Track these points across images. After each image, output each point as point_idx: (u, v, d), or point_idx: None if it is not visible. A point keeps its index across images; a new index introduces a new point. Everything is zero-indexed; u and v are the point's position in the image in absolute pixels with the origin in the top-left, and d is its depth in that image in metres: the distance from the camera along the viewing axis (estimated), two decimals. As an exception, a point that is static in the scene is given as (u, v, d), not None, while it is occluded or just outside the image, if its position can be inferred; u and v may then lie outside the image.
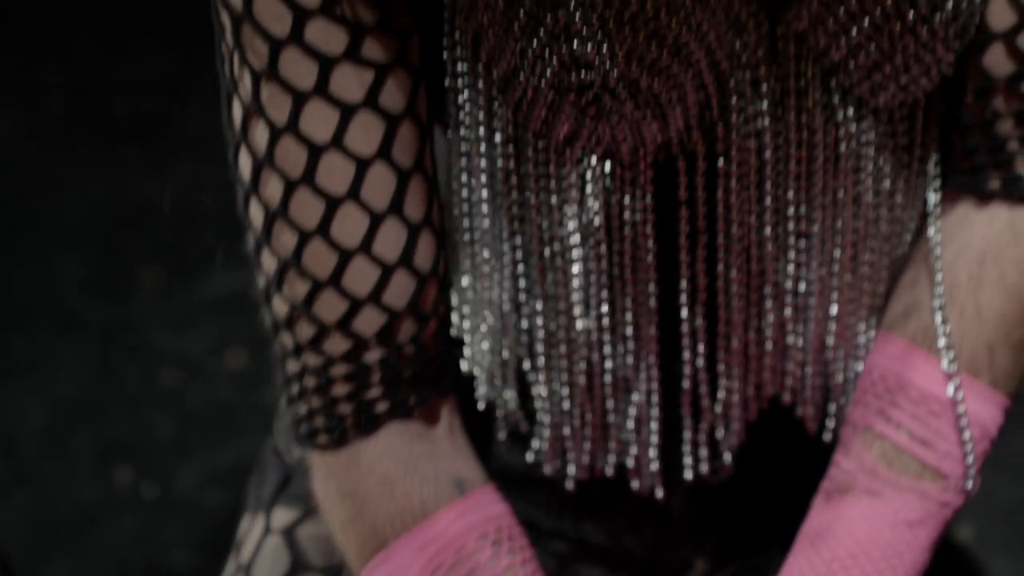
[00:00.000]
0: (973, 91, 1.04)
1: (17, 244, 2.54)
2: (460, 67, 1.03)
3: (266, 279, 1.04)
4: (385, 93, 0.99)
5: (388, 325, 1.04)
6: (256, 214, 1.03)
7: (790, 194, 1.05)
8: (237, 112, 1.01)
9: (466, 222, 1.09)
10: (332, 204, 1.00)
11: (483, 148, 1.05)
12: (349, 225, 1.01)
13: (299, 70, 0.97)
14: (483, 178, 1.06)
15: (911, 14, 0.97)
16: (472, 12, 0.98)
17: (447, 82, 1.04)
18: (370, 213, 1.01)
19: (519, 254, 1.08)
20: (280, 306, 1.05)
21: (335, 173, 1.00)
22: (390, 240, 1.02)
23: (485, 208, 1.07)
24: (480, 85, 1.03)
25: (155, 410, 2.41)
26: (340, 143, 0.99)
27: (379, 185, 1.01)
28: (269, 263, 1.04)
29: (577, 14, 0.94)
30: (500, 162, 1.05)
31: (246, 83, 0.99)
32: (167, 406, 2.42)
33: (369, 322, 1.04)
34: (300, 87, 0.98)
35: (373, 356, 1.05)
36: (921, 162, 1.09)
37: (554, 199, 1.05)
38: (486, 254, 1.09)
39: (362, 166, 1.00)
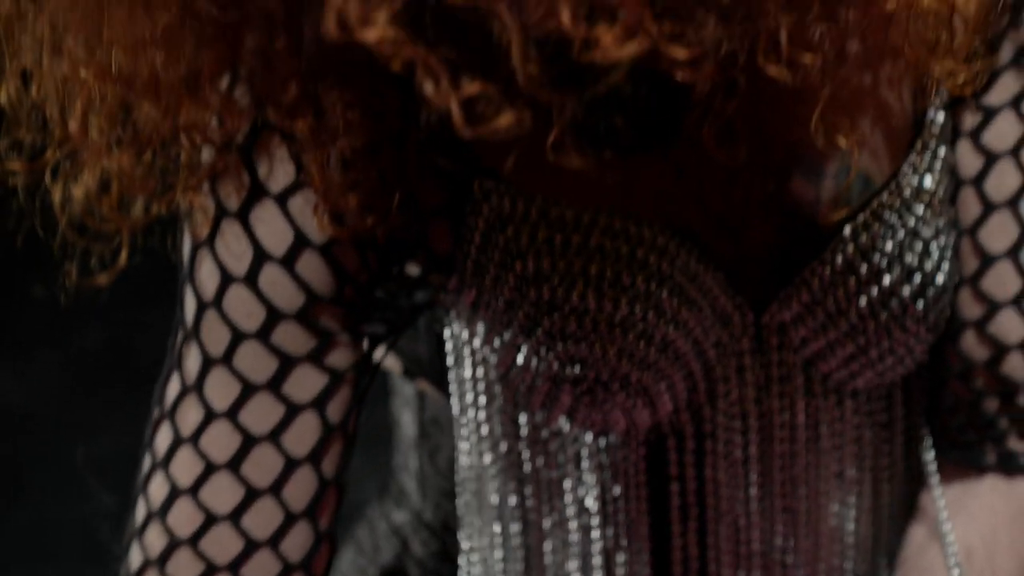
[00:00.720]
0: (955, 374, 1.05)
1: (51, 478, 2.54)
2: (464, 352, 1.05)
3: (144, 556, 0.97)
4: (333, 401, 0.97)
5: None
6: (159, 489, 0.97)
7: (774, 471, 1.06)
8: (172, 389, 0.97)
9: (471, 488, 1.10)
10: (251, 495, 0.97)
11: (486, 427, 1.07)
12: (263, 518, 0.97)
13: (257, 364, 0.95)
14: (487, 455, 1.08)
15: (884, 316, 0.99)
16: (474, 311, 1.00)
17: (448, 361, 1.06)
18: (286, 511, 0.97)
19: (518, 525, 1.09)
20: None
21: (264, 466, 0.97)
22: (298, 542, 0.98)
23: (490, 483, 1.09)
24: (481, 371, 1.04)
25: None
26: (277, 439, 0.96)
27: (301, 487, 0.98)
28: (156, 540, 0.97)
29: (572, 318, 0.96)
30: (502, 443, 1.06)
31: (192, 364, 0.96)
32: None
33: None
34: (253, 380, 0.96)
35: None
36: (905, 435, 1.10)
37: (552, 474, 1.06)
38: (492, 526, 1.09)
39: (291, 465, 0.97)
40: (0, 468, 2.68)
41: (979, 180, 0.99)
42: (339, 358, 0.97)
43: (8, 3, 0.85)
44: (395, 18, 0.69)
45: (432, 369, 1.19)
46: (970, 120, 0.98)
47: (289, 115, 0.87)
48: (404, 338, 1.20)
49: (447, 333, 1.06)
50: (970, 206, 1.00)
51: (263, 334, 0.95)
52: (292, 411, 0.96)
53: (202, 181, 0.92)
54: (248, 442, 0.96)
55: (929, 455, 1.10)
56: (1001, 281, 1.00)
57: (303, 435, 0.96)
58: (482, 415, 1.06)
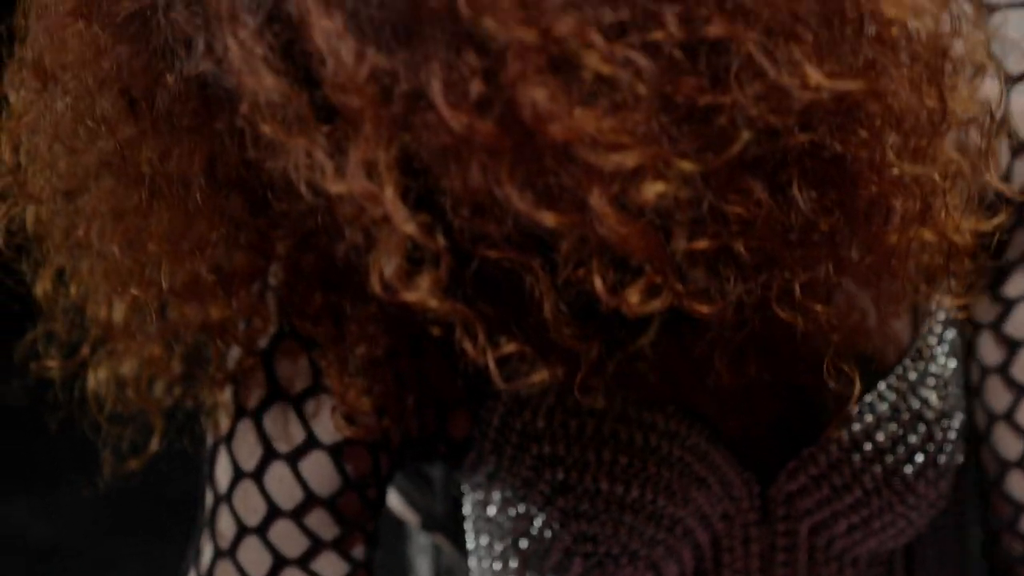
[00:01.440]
0: (1006, 524, 1.00)
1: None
2: (480, 520, 1.05)
3: None
4: None
5: None
6: None
7: None
8: None
9: None
10: None
11: None
12: None
13: (254, 558, 0.96)
14: None
15: (886, 492, 0.99)
16: (491, 483, 1.01)
17: (464, 525, 1.06)
18: None
19: None
20: None
21: None
22: None
23: None
24: (496, 536, 1.05)
25: None
26: None
27: None
28: None
29: (585, 498, 0.97)
30: None
31: (206, 555, 0.97)
32: None
33: None
34: (251, 574, 0.96)
35: None
36: None
37: None
38: None
39: None
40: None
41: (1005, 368, 0.98)
42: (325, 568, 0.96)
43: (42, 209, 0.86)
44: (438, 283, 0.70)
45: (447, 527, 1.20)
46: (990, 312, 0.97)
47: (312, 322, 0.88)
48: (421, 497, 1.21)
49: (464, 499, 1.07)
50: (999, 395, 0.98)
51: (261, 530, 0.95)
52: None
53: (226, 381, 0.93)
54: None
55: None
56: None
57: None
58: None
